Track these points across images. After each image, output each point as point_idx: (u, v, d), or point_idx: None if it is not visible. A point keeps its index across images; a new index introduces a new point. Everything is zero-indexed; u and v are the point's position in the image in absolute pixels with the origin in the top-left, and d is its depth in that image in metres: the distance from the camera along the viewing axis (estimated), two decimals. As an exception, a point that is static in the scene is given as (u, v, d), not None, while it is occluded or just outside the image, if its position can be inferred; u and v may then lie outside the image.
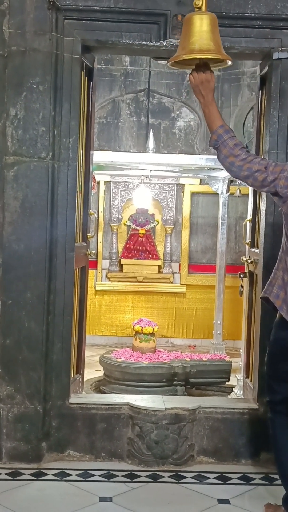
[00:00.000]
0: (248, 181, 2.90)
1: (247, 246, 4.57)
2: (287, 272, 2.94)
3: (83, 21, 3.69)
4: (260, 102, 4.12)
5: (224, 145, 2.88)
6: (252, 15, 3.67)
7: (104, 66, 8.09)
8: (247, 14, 3.67)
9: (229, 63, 2.90)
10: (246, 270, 4.53)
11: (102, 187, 8.41)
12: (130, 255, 8.53)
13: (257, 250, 4.08)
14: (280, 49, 3.71)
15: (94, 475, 3.62)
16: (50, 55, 3.64)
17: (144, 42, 3.73)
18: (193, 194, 8.52)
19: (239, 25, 3.69)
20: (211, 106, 2.89)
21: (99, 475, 3.62)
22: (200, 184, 8.35)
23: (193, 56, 2.80)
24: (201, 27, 2.80)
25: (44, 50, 3.63)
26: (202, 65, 2.86)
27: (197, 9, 2.85)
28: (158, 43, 3.72)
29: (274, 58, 3.72)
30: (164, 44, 3.70)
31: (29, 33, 3.62)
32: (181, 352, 6.37)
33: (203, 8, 2.84)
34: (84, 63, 3.91)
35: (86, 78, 4.01)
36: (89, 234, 4.24)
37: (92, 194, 4.65)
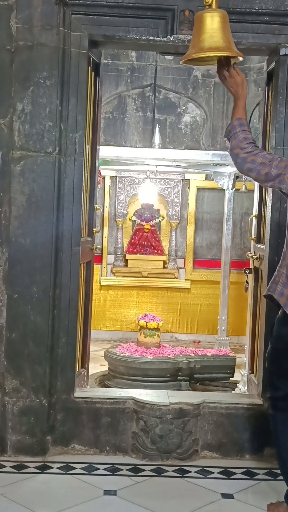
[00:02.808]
0: (252, 175, 2.90)
1: (252, 242, 4.58)
2: None
3: (90, 16, 3.69)
4: (267, 97, 4.12)
5: (235, 136, 2.89)
6: (260, 10, 3.66)
7: (110, 61, 8.09)
8: (254, 10, 3.66)
9: (241, 59, 2.91)
10: (251, 266, 4.53)
11: (108, 182, 8.42)
12: (135, 250, 8.54)
13: (262, 246, 4.08)
14: (287, 45, 3.70)
15: (98, 469, 3.64)
16: (57, 50, 3.64)
17: (151, 37, 3.72)
18: (199, 189, 8.52)
19: (247, 20, 3.68)
20: (238, 100, 2.93)
21: (104, 469, 3.64)
22: (205, 179, 8.35)
23: (202, 54, 2.81)
24: (212, 24, 2.81)
25: (51, 45, 3.63)
26: (225, 61, 2.88)
27: (207, 7, 2.85)
28: (165, 38, 3.71)
29: (281, 54, 3.71)
30: (171, 39, 3.70)
31: (37, 28, 3.62)
32: (185, 347, 6.40)
33: (214, 5, 2.84)
34: (91, 58, 3.91)
35: (92, 73, 4.01)
36: (94, 229, 4.25)
37: (98, 189, 4.65)
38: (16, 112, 3.66)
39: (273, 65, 3.89)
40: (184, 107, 8.43)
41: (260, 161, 2.84)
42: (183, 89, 8.36)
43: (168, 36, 3.70)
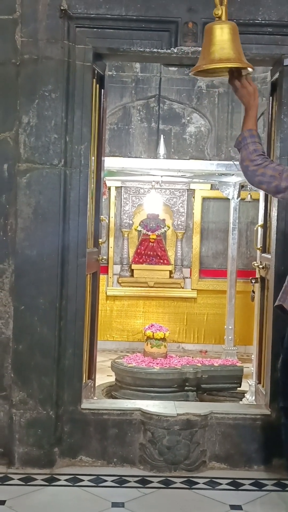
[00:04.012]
0: (262, 187, 2.90)
1: (258, 252, 4.58)
2: None
3: (95, 29, 3.72)
4: (271, 108, 4.13)
5: (245, 148, 2.88)
6: (263, 22, 3.69)
7: (115, 73, 8.14)
8: (257, 21, 3.69)
9: (250, 70, 2.92)
10: (257, 276, 4.53)
11: (113, 192, 8.44)
12: (141, 260, 8.55)
13: (268, 256, 4.08)
14: (291, 56, 3.71)
15: (106, 481, 3.63)
16: (62, 63, 3.67)
17: (155, 50, 3.75)
18: (204, 199, 8.53)
19: (250, 31, 3.70)
20: (250, 110, 2.93)
21: (111, 481, 3.63)
22: (211, 189, 8.36)
23: (213, 66, 2.82)
24: (222, 36, 2.82)
25: (56, 58, 3.66)
26: (235, 72, 2.89)
27: (217, 19, 2.87)
28: (169, 50, 3.73)
29: (284, 64, 3.73)
30: (175, 51, 3.72)
31: (41, 41, 3.65)
32: (192, 357, 6.38)
33: (223, 17, 2.86)
34: (96, 71, 3.93)
35: (97, 85, 4.04)
36: (100, 240, 4.26)
37: (103, 200, 4.67)
38: (22, 125, 3.69)
39: (277, 75, 3.91)
40: (188, 118, 8.46)
41: (270, 173, 2.83)
42: (188, 100, 8.39)
43: (172, 48, 3.72)
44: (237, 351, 7.21)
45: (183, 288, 8.54)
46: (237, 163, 3.02)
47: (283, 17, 3.68)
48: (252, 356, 5.40)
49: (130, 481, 3.63)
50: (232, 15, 3.57)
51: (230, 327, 7.13)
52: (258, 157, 2.85)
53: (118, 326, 8.45)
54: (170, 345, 6.87)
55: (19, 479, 3.61)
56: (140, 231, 8.59)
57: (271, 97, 4.12)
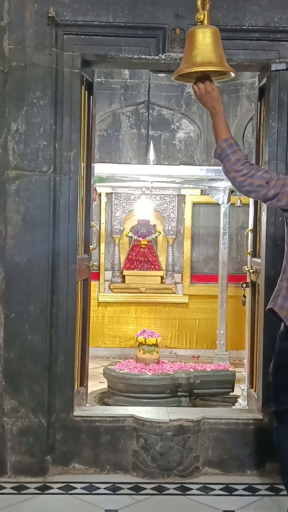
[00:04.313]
0: (251, 195, 2.90)
1: (248, 256, 4.59)
2: None
3: (83, 36, 3.73)
4: (259, 113, 4.15)
5: (227, 159, 2.87)
6: (250, 27, 3.71)
7: (104, 79, 8.15)
8: (244, 27, 3.71)
9: (233, 75, 2.92)
10: (248, 280, 4.53)
11: (104, 199, 8.44)
12: (132, 266, 8.54)
13: (258, 260, 4.09)
14: (278, 61, 3.74)
15: (99, 488, 3.61)
16: (50, 70, 3.67)
17: (143, 56, 3.76)
18: (194, 204, 8.55)
19: (237, 37, 3.72)
20: (217, 117, 2.89)
21: (104, 488, 3.62)
22: (201, 194, 8.38)
23: (195, 69, 2.82)
24: (204, 40, 2.83)
25: (44, 65, 3.66)
26: (203, 77, 2.88)
27: (199, 23, 2.88)
28: (157, 57, 3.75)
29: (272, 69, 3.74)
30: (163, 57, 3.73)
31: (29, 49, 3.65)
32: (184, 362, 6.37)
33: (205, 21, 2.87)
34: (84, 77, 3.94)
35: (86, 92, 4.04)
36: (91, 246, 4.26)
37: (94, 206, 4.67)
38: (11, 132, 3.68)
39: (264, 80, 3.93)
40: (178, 123, 8.48)
41: (258, 183, 2.82)
42: (177, 106, 8.42)
43: (160, 54, 3.74)
44: (229, 355, 7.21)
45: (174, 293, 8.54)
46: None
47: (270, 23, 3.71)
48: (244, 360, 5.40)
49: (123, 488, 3.62)
50: (219, 21, 3.61)
51: (222, 332, 7.14)
52: (242, 166, 2.84)
53: (110, 333, 8.44)
54: (162, 351, 6.86)
55: (11, 488, 3.59)
56: (131, 237, 8.59)
57: (259, 102, 4.14)
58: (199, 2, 2.87)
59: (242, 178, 2.84)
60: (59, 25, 3.66)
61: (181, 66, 2.91)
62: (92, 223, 4.25)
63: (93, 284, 7.82)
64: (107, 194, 8.42)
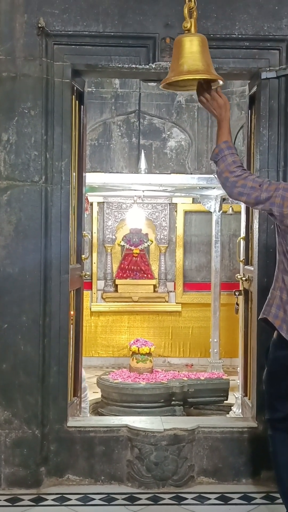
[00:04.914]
0: (242, 199, 2.91)
1: (241, 264, 4.59)
2: (285, 291, 2.93)
3: (73, 46, 3.73)
4: (250, 121, 4.16)
5: (223, 160, 2.89)
6: (240, 36, 3.72)
7: (94, 89, 8.18)
8: (234, 36, 3.72)
9: (221, 82, 2.93)
10: (241, 288, 4.53)
11: (96, 208, 8.45)
12: (125, 275, 8.54)
13: (251, 268, 4.09)
14: (268, 69, 3.75)
15: (94, 499, 3.59)
16: (40, 80, 3.67)
17: (133, 65, 3.77)
18: (186, 213, 8.57)
19: (227, 46, 3.74)
20: (222, 122, 2.93)
21: (99, 499, 3.59)
22: (192, 203, 8.41)
23: (182, 77, 2.82)
24: (191, 48, 2.83)
25: (34, 75, 3.66)
26: (204, 84, 2.89)
27: (186, 31, 2.89)
28: (147, 66, 3.76)
29: (262, 78, 3.76)
30: (153, 66, 3.74)
31: (19, 59, 3.66)
32: (178, 371, 6.37)
33: (192, 30, 2.88)
34: (75, 87, 3.94)
35: (77, 101, 4.04)
36: (83, 256, 4.25)
37: (86, 216, 4.66)
38: (2, 142, 3.68)
39: (255, 88, 3.94)
40: (168, 132, 8.51)
41: (251, 185, 2.85)
42: (167, 115, 8.45)
43: (150, 64, 3.74)
44: (223, 364, 7.21)
45: (167, 302, 8.54)
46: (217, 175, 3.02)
47: (259, 31, 3.72)
48: (238, 368, 5.39)
49: (118, 499, 3.59)
50: (208, 30, 3.62)
51: (215, 340, 7.14)
52: (237, 168, 2.87)
53: (103, 342, 8.42)
54: (155, 360, 6.85)
55: (5, 500, 3.55)
56: (123, 246, 8.60)
57: (249, 110, 4.16)
58: (186, 11, 2.88)
59: (235, 179, 2.85)
60: (49, 35, 3.66)
61: (168, 74, 2.91)
62: (84, 232, 4.24)
63: (86, 293, 7.80)
64: (98, 203, 8.43)
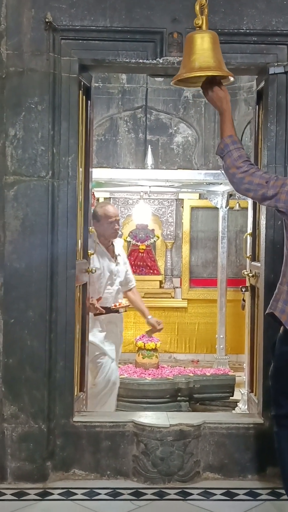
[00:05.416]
0: (249, 194, 2.90)
1: (248, 260, 4.58)
2: None
3: (80, 41, 3.73)
4: (258, 116, 4.15)
5: (229, 155, 2.88)
6: (247, 31, 3.71)
7: (101, 84, 8.16)
8: (242, 30, 3.71)
9: (231, 79, 2.94)
10: (247, 284, 4.53)
11: (102, 203, 8.43)
12: (131, 271, 8.53)
13: (258, 264, 4.08)
14: (276, 64, 3.74)
15: (99, 494, 3.60)
16: (47, 75, 3.67)
17: (140, 60, 3.76)
18: (193, 208, 8.55)
19: (235, 41, 3.72)
20: (223, 115, 2.93)
21: (105, 494, 3.60)
22: (199, 198, 8.38)
23: (193, 74, 2.84)
24: (202, 45, 2.85)
25: (41, 70, 3.66)
26: (211, 79, 2.90)
27: (198, 28, 2.89)
28: (154, 61, 3.75)
29: (270, 73, 3.75)
30: (161, 61, 3.73)
31: (27, 54, 3.65)
32: (184, 367, 6.37)
33: (204, 26, 2.88)
34: (82, 82, 3.94)
35: (83, 96, 4.04)
36: (89, 251, 4.25)
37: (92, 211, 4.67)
38: (9, 137, 3.68)
39: (262, 84, 3.93)
40: (175, 128, 8.49)
41: (257, 181, 2.83)
42: (174, 110, 8.42)
43: (158, 59, 3.73)
44: (229, 360, 7.20)
45: (173, 298, 8.53)
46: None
47: (267, 26, 3.71)
48: (244, 364, 5.39)
49: (123, 494, 3.60)
50: (216, 24, 3.61)
51: (222, 336, 7.12)
52: (243, 163, 2.86)
53: (109, 337, 8.40)
54: (161, 355, 6.85)
55: (11, 494, 3.57)
56: (130, 241, 8.59)
57: (257, 106, 4.15)
58: (197, 7, 2.89)
59: (242, 175, 2.84)
60: (57, 30, 3.66)
61: (180, 71, 2.92)
62: (90, 228, 4.24)
63: (92, 289, 7.79)
64: (105, 199, 8.42)
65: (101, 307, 4.52)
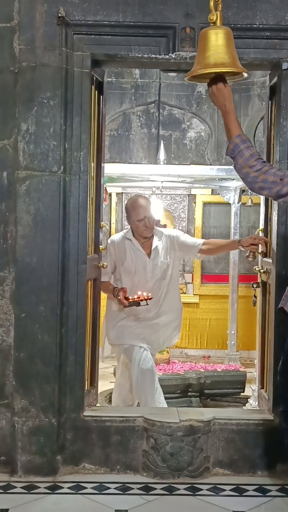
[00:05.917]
0: (264, 193, 2.89)
1: (259, 256, 4.56)
2: None
3: (93, 36, 3.73)
4: (270, 112, 4.13)
5: (240, 155, 2.86)
6: (260, 26, 3.69)
7: (114, 79, 8.15)
8: (255, 26, 3.69)
9: (245, 75, 2.93)
10: (259, 280, 4.51)
11: (114, 199, 8.44)
12: (142, 266, 8.52)
13: (269, 260, 4.07)
14: (289, 59, 3.71)
15: (109, 488, 3.61)
16: (60, 70, 3.67)
17: (153, 55, 3.75)
18: (205, 204, 8.52)
19: (248, 36, 3.70)
20: (228, 114, 2.91)
21: (115, 488, 3.61)
22: (211, 194, 8.35)
23: (208, 70, 2.84)
24: (216, 41, 2.84)
25: (54, 65, 3.66)
26: (217, 77, 2.89)
27: (212, 24, 2.88)
28: (167, 56, 3.74)
29: (283, 68, 3.73)
30: (173, 56, 3.72)
31: (39, 49, 3.66)
32: (195, 363, 6.36)
33: (218, 22, 2.87)
34: (94, 77, 3.94)
35: (96, 91, 4.04)
36: (101, 246, 4.25)
37: (104, 206, 4.66)
38: (21, 132, 3.69)
39: (275, 79, 3.91)
40: (188, 123, 8.46)
41: (272, 179, 2.82)
42: (187, 105, 8.39)
43: (170, 54, 3.72)
44: (240, 356, 7.19)
45: (185, 293, 8.52)
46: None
47: (281, 21, 3.69)
48: (255, 361, 5.38)
49: (133, 488, 3.61)
50: (229, 20, 3.59)
51: (233, 332, 7.11)
52: (256, 161, 2.84)
53: (121, 333, 8.41)
54: (172, 351, 6.85)
55: (21, 487, 3.59)
56: (142, 236, 8.57)
57: (270, 101, 4.12)
58: (211, 3, 2.88)
59: (256, 173, 2.83)
60: (69, 25, 3.66)
61: (194, 67, 2.91)
62: (102, 223, 4.24)
63: (104, 284, 7.80)
64: (117, 194, 8.42)
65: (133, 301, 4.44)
